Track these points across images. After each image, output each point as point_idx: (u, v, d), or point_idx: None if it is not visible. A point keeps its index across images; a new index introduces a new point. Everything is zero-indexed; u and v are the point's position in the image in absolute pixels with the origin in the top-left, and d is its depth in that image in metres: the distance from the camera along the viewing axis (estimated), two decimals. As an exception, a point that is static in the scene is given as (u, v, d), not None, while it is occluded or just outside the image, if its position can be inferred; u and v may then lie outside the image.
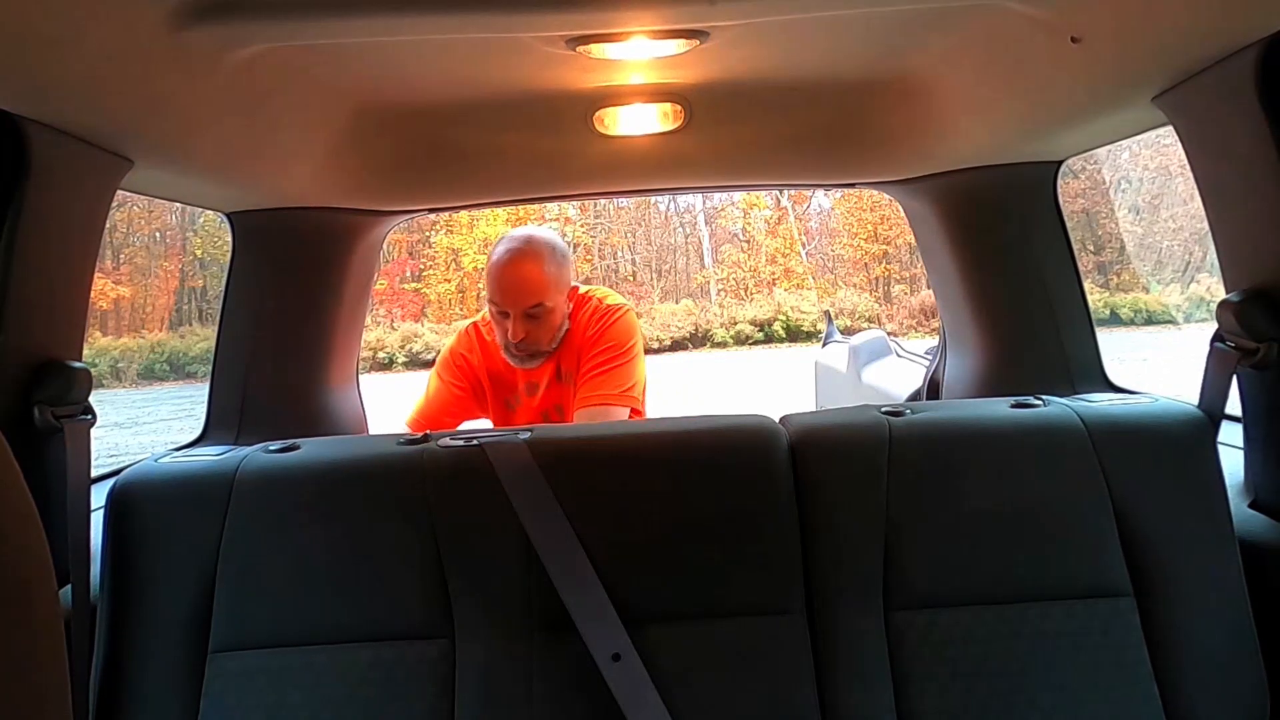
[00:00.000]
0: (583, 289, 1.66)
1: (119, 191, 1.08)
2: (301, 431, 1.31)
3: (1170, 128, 1.08)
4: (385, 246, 1.87)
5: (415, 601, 0.93)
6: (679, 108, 1.34)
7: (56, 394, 0.94)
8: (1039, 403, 1.04)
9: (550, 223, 21.88)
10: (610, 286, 1.90)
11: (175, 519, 0.94)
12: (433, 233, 22.46)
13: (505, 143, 1.45)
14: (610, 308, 1.62)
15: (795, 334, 20.01)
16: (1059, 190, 1.54)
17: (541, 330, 1.51)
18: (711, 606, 0.95)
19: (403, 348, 19.97)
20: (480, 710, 0.90)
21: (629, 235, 24.08)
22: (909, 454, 0.97)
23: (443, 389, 1.67)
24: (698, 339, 20.38)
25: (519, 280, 1.49)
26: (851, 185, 1.73)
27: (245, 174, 1.31)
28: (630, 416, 1.55)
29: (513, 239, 1.55)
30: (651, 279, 23.45)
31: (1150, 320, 17.99)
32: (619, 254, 24.04)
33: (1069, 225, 1.56)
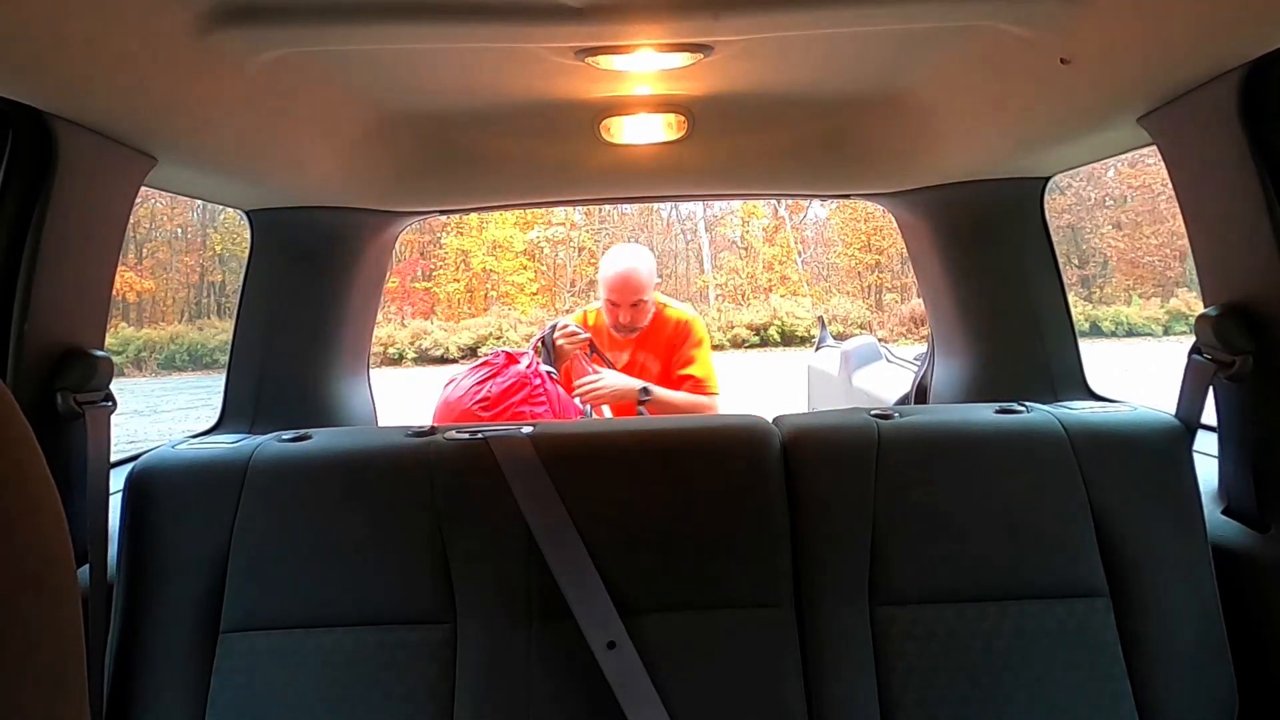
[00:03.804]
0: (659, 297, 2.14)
1: (143, 188, 1.08)
2: (313, 422, 1.31)
3: (1154, 147, 1.08)
4: (397, 246, 1.87)
5: (419, 587, 0.93)
6: (682, 118, 1.34)
7: (79, 381, 0.94)
8: (1022, 409, 1.04)
9: (556, 226, 21.91)
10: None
11: (190, 503, 0.94)
12: (443, 234, 22.44)
13: (515, 148, 1.45)
14: (687, 317, 2.13)
15: (790, 338, 19.99)
16: (1046, 205, 1.54)
17: (640, 314, 2.05)
18: (704, 598, 0.95)
19: (412, 344, 19.97)
20: (479, 693, 0.90)
21: (632, 240, 24.08)
22: (897, 455, 0.97)
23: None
24: (696, 341, 20.34)
25: (628, 285, 2.01)
26: (846, 196, 1.73)
27: (265, 173, 1.31)
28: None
29: (619, 257, 2.06)
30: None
31: (1131, 332, 18.01)
32: (622, 258, 24.00)
33: (1055, 239, 1.56)
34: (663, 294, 2.17)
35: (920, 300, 1.88)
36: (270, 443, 1.00)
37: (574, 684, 0.91)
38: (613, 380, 1.92)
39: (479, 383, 1.69)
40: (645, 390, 1.92)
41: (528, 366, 1.72)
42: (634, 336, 2.07)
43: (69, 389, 0.93)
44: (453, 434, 1.00)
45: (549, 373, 1.79)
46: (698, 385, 2.03)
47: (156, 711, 0.89)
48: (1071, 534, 0.94)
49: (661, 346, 2.08)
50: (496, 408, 1.63)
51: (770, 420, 1.05)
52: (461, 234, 22.32)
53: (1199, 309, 1.00)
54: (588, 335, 1.98)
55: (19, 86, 0.81)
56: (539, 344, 1.94)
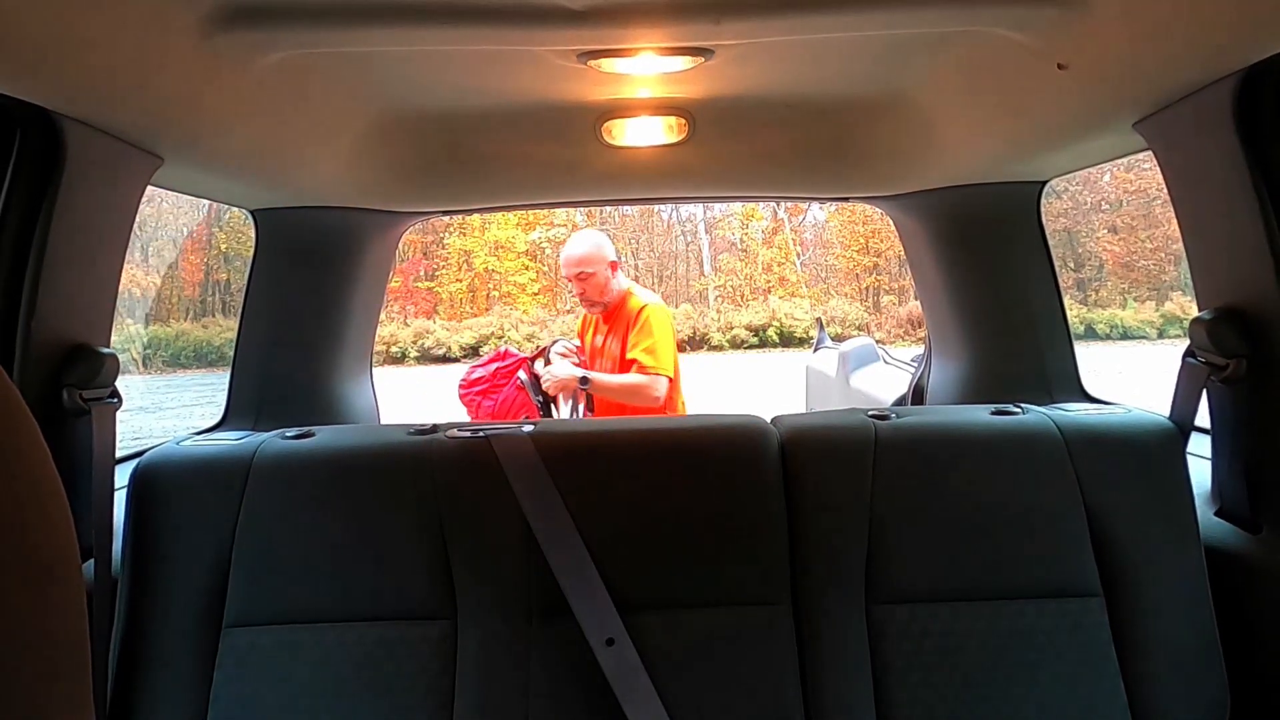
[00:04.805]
0: (630, 286, 2.32)
1: (149, 187, 1.08)
2: (316, 419, 1.31)
3: (1150, 152, 1.08)
4: (400, 246, 1.87)
5: (420, 584, 0.93)
6: (683, 121, 1.34)
7: (85, 377, 0.94)
8: (1018, 410, 1.04)
9: (558, 228, 21.90)
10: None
11: (194, 499, 0.94)
12: (446, 234, 22.42)
13: (517, 150, 1.45)
14: (643, 304, 2.25)
15: (788, 339, 19.97)
16: (1042, 209, 1.54)
17: (589, 287, 2.26)
18: (702, 596, 0.95)
19: (415, 343, 19.96)
20: (479, 689, 0.90)
21: (633, 242, 24.06)
22: (893, 456, 0.97)
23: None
24: (695, 342, 20.37)
25: (569, 260, 2.27)
26: (845, 199, 1.73)
27: (270, 173, 1.31)
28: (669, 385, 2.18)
29: (571, 239, 2.33)
30: (653, 283, 23.39)
31: (1126, 335, 17.99)
32: (623, 259, 23.87)
33: (1051, 242, 1.56)
34: (639, 285, 2.40)
35: (918, 302, 1.88)
36: (274, 440, 1.00)
37: (573, 680, 0.90)
38: (557, 371, 2.19)
39: (478, 365, 2.31)
40: (584, 379, 2.15)
41: (500, 367, 2.26)
42: (601, 313, 2.33)
43: (75, 385, 0.93)
44: (454, 432, 1.00)
45: (524, 381, 2.21)
46: (642, 367, 2.19)
47: (160, 705, 0.89)
48: (1066, 534, 0.94)
49: (621, 330, 2.28)
50: (470, 389, 2.26)
51: (769, 420, 1.05)
52: (464, 234, 22.31)
53: (1193, 312, 1.00)
54: (576, 355, 2.33)
55: (27, 86, 0.81)
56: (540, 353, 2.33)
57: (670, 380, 2.19)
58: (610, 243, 2.34)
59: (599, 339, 2.33)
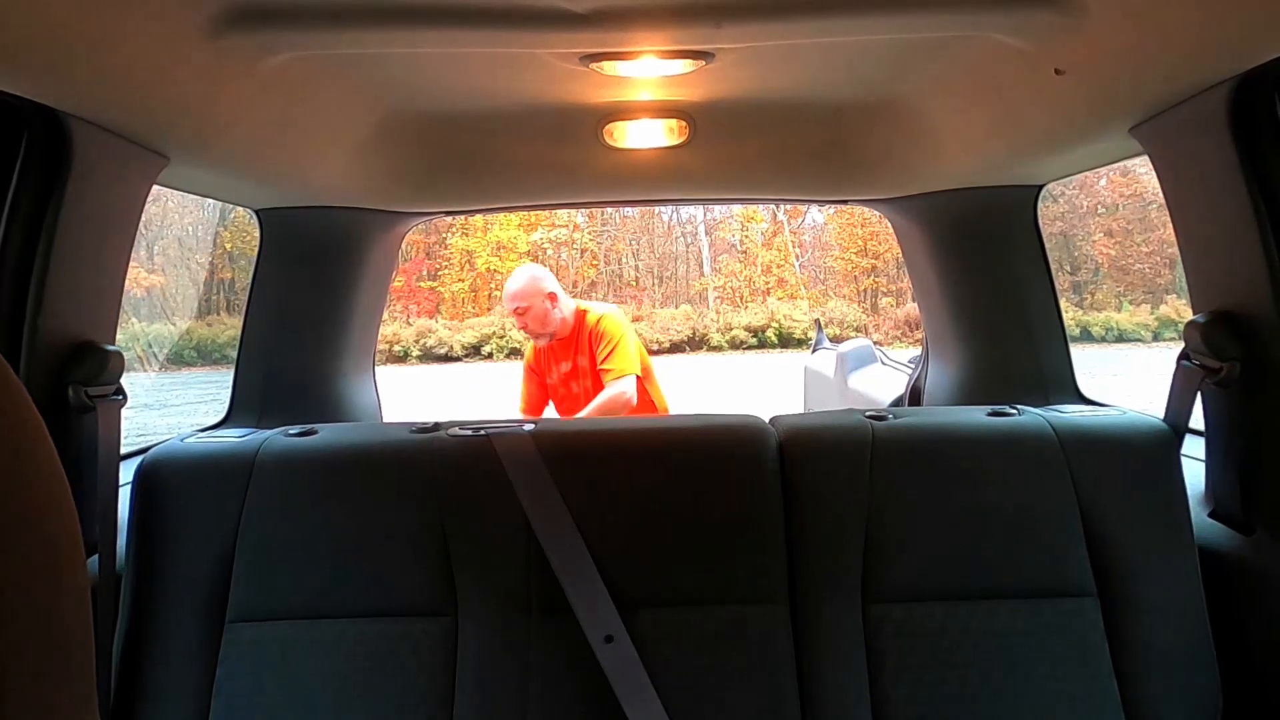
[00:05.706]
0: (581, 305, 2.39)
1: (154, 186, 1.08)
2: (319, 417, 1.31)
3: (1146, 157, 1.08)
4: (403, 246, 1.87)
5: (421, 581, 0.93)
6: (684, 124, 1.34)
7: (90, 374, 0.94)
8: (1014, 412, 1.04)
9: (559, 229, 21.95)
10: (614, 291, 2.68)
11: (198, 496, 0.94)
12: (449, 235, 22.45)
13: (519, 151, 1.45)
14: (598, 316, 2.35)
15: (787, 340, 19.99)
16: (1039, 212, 1.55)
17: (529, 320, 2.31)
18: (700, 594, 0.95)
19: (417, 342, 19.98)
20: (479, 684, 0.90)
21: (633, 243, 24.08)
22: (890, 456, 0.97)
23: (529, 380, 2.51)
24: (695, 343, 20.40)
25: (506, 295, 2.36)
26: (844, 202, 1.73)
27: (274, 173, 1.31)
28: (638, 381, 2.25)
29: (512, 276, 2.39)
30: (653, 285, 23.45)
31: (1121, 338, 18.01)
32: (623, 260, 24.03)
33: (1047, 245, 1.56)
34: (585, 300, 2.50)
35: (915, 304, 1.88)
36: (277, 437, 1.00)
37: (572, 676, 0.91)
38: None
39: None
40: None
41: None
42: (553, 343, 2.38)
43: (80, 382, 0.93)
44: (456, 431, 1.00)
45: None
46: (611, 376, 2.27)
47: (163, 699, 0.89)
48: (1061, 535, 0.94)
49: (586, 346, 2.36)
50: None
51: (767, 420, 1.05)
52: (466, 235, 22.34)
53: (1188, 315, 1.00)
54: None
55: (35, 86, 0.81)
56: None
57: (638, 377, 2.26)
58: (549, 276, 2.39)
59: (564, 365, 2.38)
